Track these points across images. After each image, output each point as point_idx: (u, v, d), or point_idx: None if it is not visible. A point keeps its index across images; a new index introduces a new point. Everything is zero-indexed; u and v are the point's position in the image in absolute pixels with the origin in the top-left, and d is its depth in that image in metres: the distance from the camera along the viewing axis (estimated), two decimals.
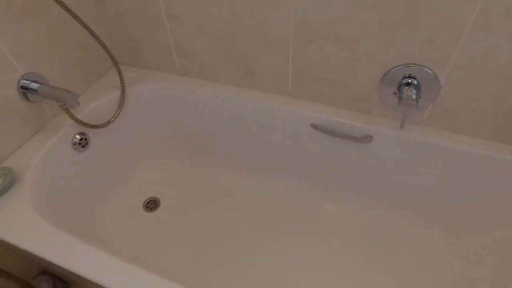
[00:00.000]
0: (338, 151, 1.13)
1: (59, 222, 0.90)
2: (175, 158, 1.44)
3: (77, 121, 1.06)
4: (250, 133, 1.24)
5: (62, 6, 0.90)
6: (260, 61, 1.08)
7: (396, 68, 0.92)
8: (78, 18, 0.96)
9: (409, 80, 0.92)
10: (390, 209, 1.21)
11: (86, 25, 0.99)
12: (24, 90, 1.00)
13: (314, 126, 1.08)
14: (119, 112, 1.19)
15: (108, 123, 1.16)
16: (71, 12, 0.93)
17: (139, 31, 1.19)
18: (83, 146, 1.15)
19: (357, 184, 1.21)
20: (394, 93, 0.96)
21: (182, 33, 1.12)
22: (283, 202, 1.30)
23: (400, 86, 0.94)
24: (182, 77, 1.26)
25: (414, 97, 0.87)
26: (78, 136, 1.13)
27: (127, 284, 0.70)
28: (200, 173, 1.41)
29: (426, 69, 0.89)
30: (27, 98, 1.02)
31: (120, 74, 1.15)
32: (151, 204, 1.32)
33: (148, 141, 1.39)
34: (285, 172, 1.31)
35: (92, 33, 1.02)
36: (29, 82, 1.00)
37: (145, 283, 0.71)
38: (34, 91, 1.00)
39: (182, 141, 1.41)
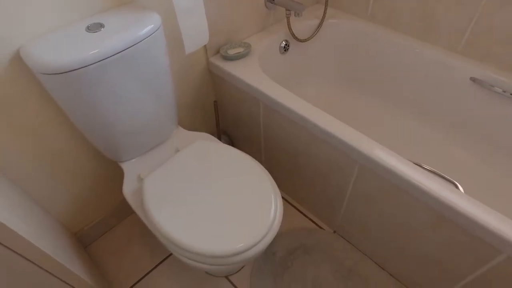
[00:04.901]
0: (489, 106, 1.31)
1: None
2: (335, 84, 1.79)
3: (290, 30, 1.48)
4: (409, 78, 1.50)
5: None
6: (444, 17, 1.32)
7: None
8: None
9: None
10: None
11: None
12: None
13: (474, 80, 1.29)
14: (315, 34, 1.57)
15: (305, 40, 1.56)
16: None
17: None
18: (285, 50, 1.57)
19: (496, 141, 1.36)
20: None
21: None
22: (417, 140, 1.55)
23: None
24: (368, 22, 1.58)
25: None
26: (284, 42, 1.55)
27: (316, 116, 1.07)
28: (353, 102, 1.74)
29: None
30: (265, 5, 1.46)
31: (326, 7, 1.52)
32: None
33: (321, 64, 1.76)
34: (426, 116, 1.54)
35: None
36: None
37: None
38: (273, 0, 1.44)
39: (347, 73, 1.75)
